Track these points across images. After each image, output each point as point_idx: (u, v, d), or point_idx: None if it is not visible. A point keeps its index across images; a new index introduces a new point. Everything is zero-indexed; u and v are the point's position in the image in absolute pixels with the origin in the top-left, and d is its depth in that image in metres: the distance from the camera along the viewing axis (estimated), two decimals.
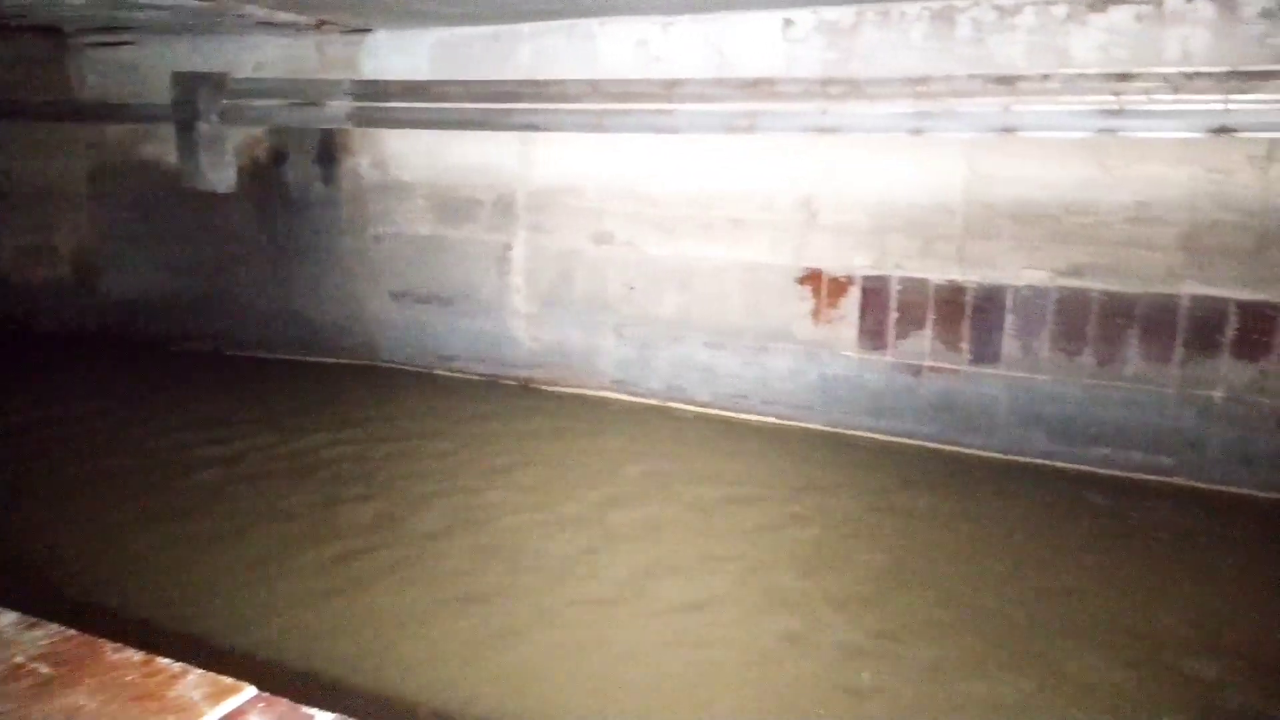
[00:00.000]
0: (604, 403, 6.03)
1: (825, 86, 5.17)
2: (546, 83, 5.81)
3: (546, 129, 5.89)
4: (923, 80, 4.95)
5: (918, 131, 5.01)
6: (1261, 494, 4.55)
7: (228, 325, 7.10)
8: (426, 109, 6.17)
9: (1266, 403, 4.51)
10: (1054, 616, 3.47)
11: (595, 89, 5.69)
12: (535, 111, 5.87)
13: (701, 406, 5.87)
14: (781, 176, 5.41)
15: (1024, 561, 3.93)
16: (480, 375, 6.49)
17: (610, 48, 5.65)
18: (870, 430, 5.42)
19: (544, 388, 6.27)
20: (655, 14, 5.45)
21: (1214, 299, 4.55)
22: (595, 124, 5.74)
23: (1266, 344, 4.47)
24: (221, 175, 6.87)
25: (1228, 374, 4.57)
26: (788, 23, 5.19)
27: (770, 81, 5.30)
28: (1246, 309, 4.49)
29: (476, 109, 6.01)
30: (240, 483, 4.67)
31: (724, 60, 5.41)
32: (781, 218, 5.46)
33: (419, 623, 3.41)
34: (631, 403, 6.02)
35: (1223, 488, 4.62)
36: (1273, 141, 4.35)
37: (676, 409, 5.89)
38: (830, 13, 5.08)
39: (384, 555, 3.92)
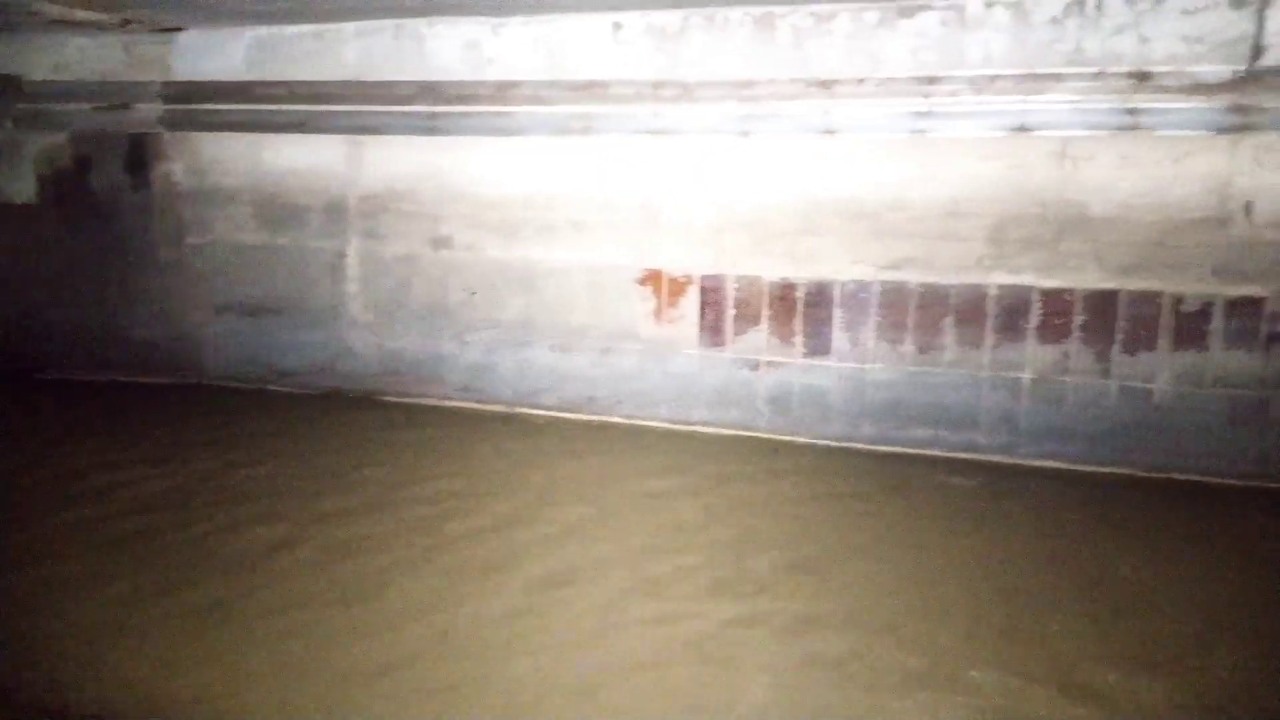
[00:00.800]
0: (451, 412, 5.91)
1: (656, 89, 5.24)
2: (374, 84, 5.65)
3: (376, 132, 5.73)
4: (748, 84, 5.09)
5: (745, 134, 5.16)
6: (1065, 466, 4.92)
7: (32, 346, 6.53)
8: (245, 111, 5.88)
9: (1069, 381, 4.87)
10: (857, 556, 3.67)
11: (426, 91, 5.57)
12: (363, 114, 5.70)
13: (551, 410, 5.83)
14: (621, 178, 5.45)
15: (847, 530, 4.13)
16: (318, 389, 6.22)
17: (440, 49, 5.54)
18: (713, 425, 5.53)
19: (388, 399, 6.08)
20: (484, 15, 5.38)
21: (1019, 287, 4.88)
22: (428, 126, 5.62)
23: (1066, 327, 4.84)
24: (20, 185, 6.35)
25: (1034, 356, 4.91)
26: (617, 26, 5.23)
27: (603, 84, 5.33)
28: (1048, 296, 4.84)
29: (300, 111, 5.78)
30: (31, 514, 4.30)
31: (557, 63, 5.40)
32: (622, 219, 5.49)
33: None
34: (479, 410, 5.92)
35: (1032, 462, 4.97)
36: (1066, 138, 4.70)
37: (526, 414, 5.84)
38: (658, 16, 5.16)
39: (189, 595, 3.69)
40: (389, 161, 5.80)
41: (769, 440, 5.38)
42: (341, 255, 6.01)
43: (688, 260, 5.43)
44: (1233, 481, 4.66)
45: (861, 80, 4.92)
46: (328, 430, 5.51)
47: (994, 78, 4.71)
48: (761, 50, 5.05)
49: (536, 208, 5.62)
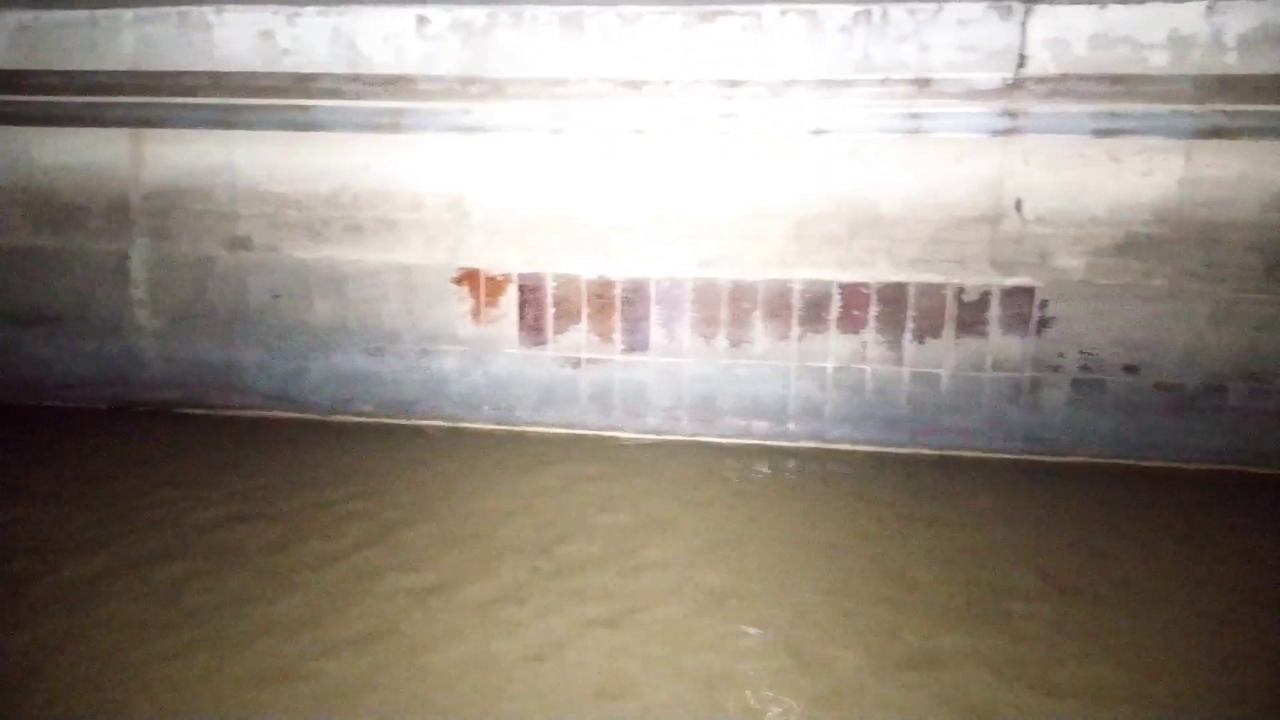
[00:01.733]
0: (254, 423, 5.59)
1: (466, 86, 5.14)
2: (159, 75, 5.26)
3: (161, 125, 5.34)
4: (560, 82, 5.09)
5: (558, 132, 5.15)
6: (867, 449, 5.23)
7: None
8: (10, 103, 5.34)
9: (867, 369, 5.17)
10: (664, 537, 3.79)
11: (216, 82, 5.24)
12: (146, 106, 5.29)
13: (367, 417, 5.63)
14: (432, 176, 5.32)
15: (662, 518, 4.23)
16: (105, 404, 5.74)
17: (231, 38, 5.21)
18: (537, 424, 5.51)
19: (185, 412, 5.69)
20: (278, 4, 5.11)
21: (821, 282, 5.12)
22: (220, 120, 5.29)
23: (863, 319, 5.12)
24: None
25: (836, 347, 5.18)
26: (422, 20, 5.09)
27: (410, 79, 5.18)
28: (846, 289, 5.11)
29: (74, 103, 5.30)
30: None
31: (360, 56, 5.20)
32: (433, 217, 5.36)
33: None
34: (288, 419, 5.63)
35: (837, 446, 5.25)
36: (858, 141, 4.97)
37: (339, 422, 5.61)
38: (464, 12, 5.06)
39: None
40: (177, 157, 5.40)
41: (591, 436, 5.42)
42: (125, 258, 5.56)
43: (505, 259, 5.38)
44: (1009, 456, 5.10)
45: (669, 81, 5.01)
46: (109, 450, 5.09)
47: (791, 82, 4.91)
48: (571, 49, 5.05)
49: (342, 206, 5.40)
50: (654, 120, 5.07)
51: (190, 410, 5.69)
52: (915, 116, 4.88)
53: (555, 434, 5.46)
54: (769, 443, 5.31)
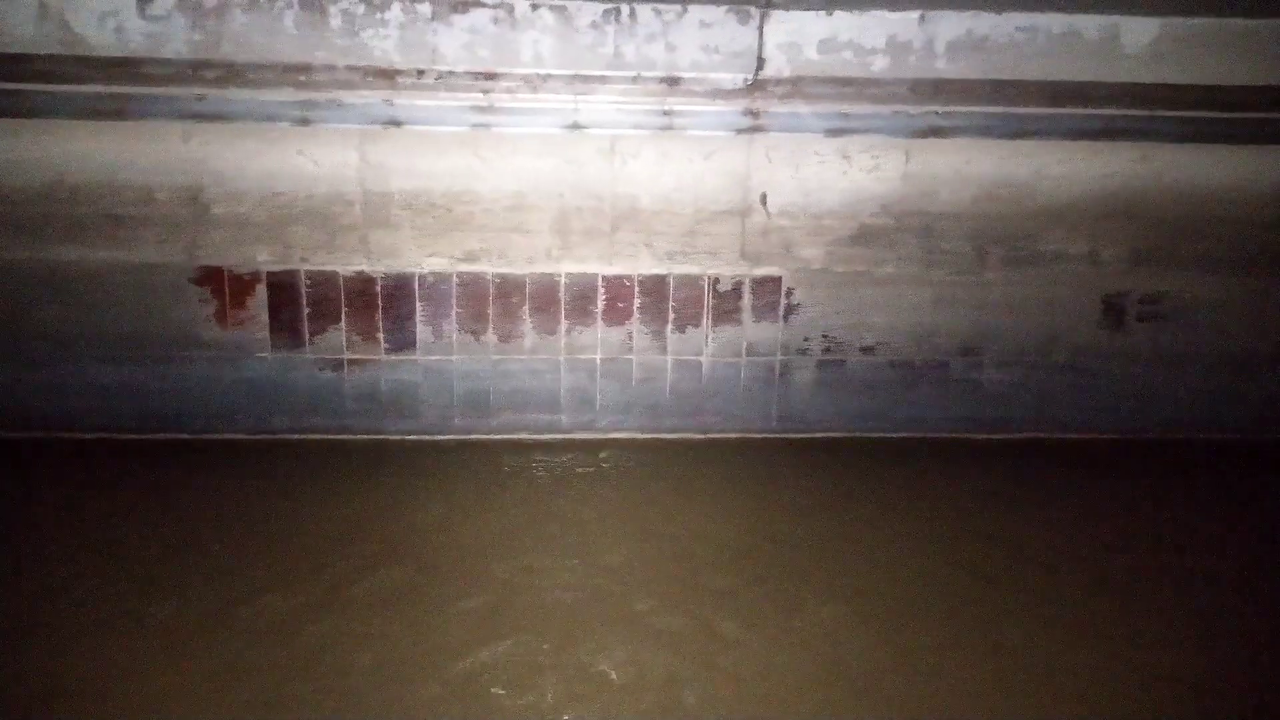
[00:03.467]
0: None
1: (199, 70, 4.78)
2: None
3: None
4: (304, 68, 4.83)
5: (305, 121, 4.90)
6: (637, 436, 5.38)
7: None
8: None
9: (634, 359, 5.31)
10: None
11: None
12: None
13: (102, 432, 5.14)
14: (165, 167, 4.91)
15: (436, 514, 4.20)
16: None
17: None
18: (301, 431, 5.25)
19: None
20: None
21: (586, 275, 5.20)
22: None
23: (628, 310, 5.25)
24: None
25: (603, 338, 5.28)
26: None
27: (135, 62, 4.74)
28: (609, 282, 5.21)
29: None
30: None
31: (74, 36, 4.70)
32: (167, 212, 4.96)
33: None
34: (7, 439, 5.04)
35: (609, 435, 5.37)
36: (614, 136, 5.06)
37: (67, 439, 5.09)
38: None
39: None
40: None
41: (358, 441, 5.23)
42: None
43: (253, 256, 5.06)
44: (767, 436, 5.42)
45: (422, 72, 4.88)
46: None
47: (546, 77, 4.91)
48: (314, 35, 4.79)
49: (61, 201, 4.88)
50: (409, 112, 4.93)
51: None
52: (667, 114, 5.03)
53: (319, 440, 5.22)
54: (543, 436, 5.34)
